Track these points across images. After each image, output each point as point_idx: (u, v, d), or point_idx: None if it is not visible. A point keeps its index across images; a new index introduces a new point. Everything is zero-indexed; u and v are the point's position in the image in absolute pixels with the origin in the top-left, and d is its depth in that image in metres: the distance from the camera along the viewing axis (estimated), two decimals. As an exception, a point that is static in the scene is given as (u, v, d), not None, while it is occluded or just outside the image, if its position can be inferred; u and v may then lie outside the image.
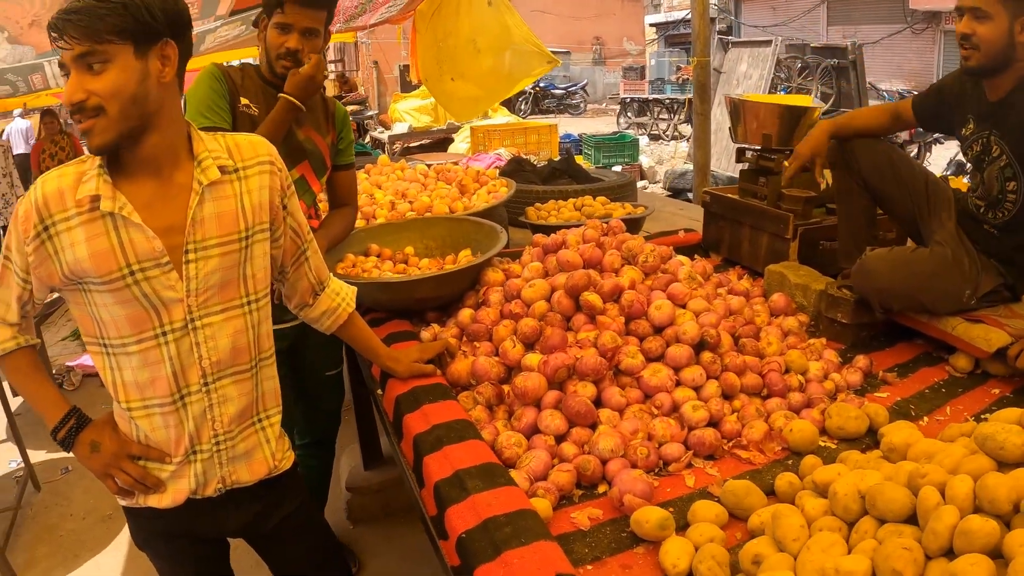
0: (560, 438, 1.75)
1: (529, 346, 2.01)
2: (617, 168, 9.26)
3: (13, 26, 4.35)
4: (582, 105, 23.56)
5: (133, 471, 1.52)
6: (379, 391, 2.07)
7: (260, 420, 1.65)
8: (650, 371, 1.92)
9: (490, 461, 1.58)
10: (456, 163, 4.36)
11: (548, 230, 2.67)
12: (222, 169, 1.47)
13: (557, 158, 5.98)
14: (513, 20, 6.05)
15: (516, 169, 4.21)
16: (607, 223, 2.54)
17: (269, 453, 1.66)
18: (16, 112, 14.24)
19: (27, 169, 14.26)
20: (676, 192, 8.86)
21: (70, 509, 3.86)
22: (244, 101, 2.19)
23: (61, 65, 1.35)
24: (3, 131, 14.02)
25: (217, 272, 1.49)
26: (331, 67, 16.99)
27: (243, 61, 3.39)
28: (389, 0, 6.84)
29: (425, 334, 2.20)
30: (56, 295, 3.40)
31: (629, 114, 17.98)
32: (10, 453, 4.47)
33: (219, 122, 2.11)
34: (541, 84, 21.13)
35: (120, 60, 1.31)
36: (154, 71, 1.35)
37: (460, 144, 9.28)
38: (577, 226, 2.50)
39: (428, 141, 9.93)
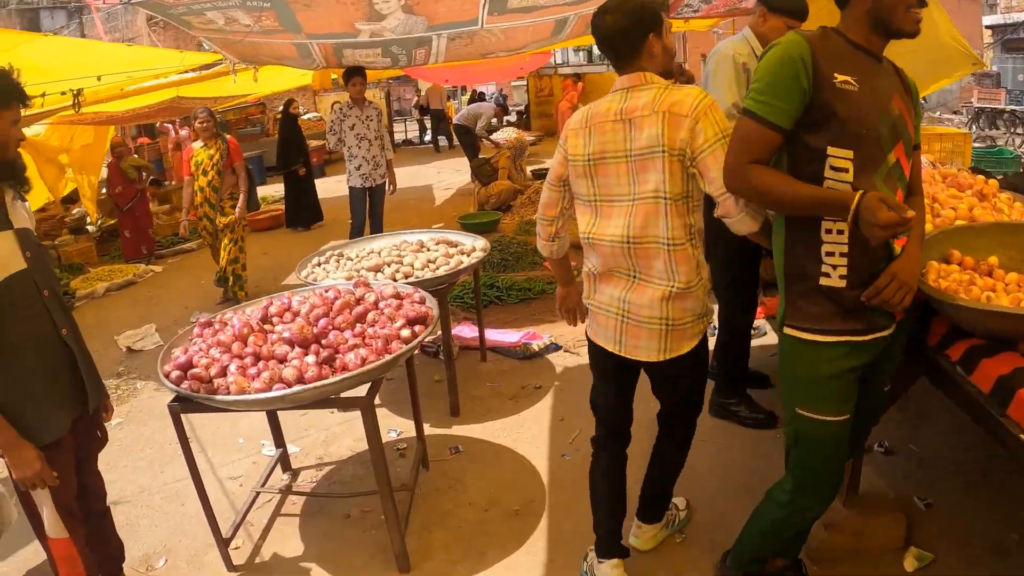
0: None
1: None
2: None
3: (413, -6, 4.05)
4: (917, 113, 21.24)
5: None
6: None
7: None
8: None
9: None
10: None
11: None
12: None
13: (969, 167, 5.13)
14: (940, 16, 5.23)
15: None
16: None
17: None
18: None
19: (440, 120, 16.30)
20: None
21: (467, 497, 3.32)
22: (841, 77, 1.83)
23: None
24: (423, 90, 16.49)
25: None
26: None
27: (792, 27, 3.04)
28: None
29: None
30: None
31: (982, 124, 15.84)
32: (387, 421, 4.07)
33: (774, 114, 1.85)
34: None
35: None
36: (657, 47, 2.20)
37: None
38: None
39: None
